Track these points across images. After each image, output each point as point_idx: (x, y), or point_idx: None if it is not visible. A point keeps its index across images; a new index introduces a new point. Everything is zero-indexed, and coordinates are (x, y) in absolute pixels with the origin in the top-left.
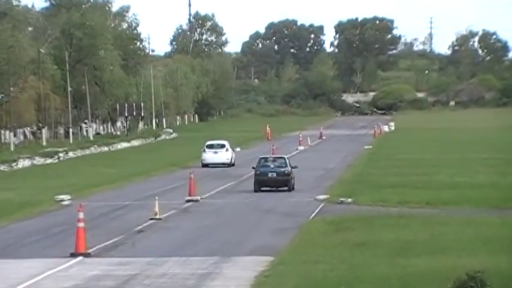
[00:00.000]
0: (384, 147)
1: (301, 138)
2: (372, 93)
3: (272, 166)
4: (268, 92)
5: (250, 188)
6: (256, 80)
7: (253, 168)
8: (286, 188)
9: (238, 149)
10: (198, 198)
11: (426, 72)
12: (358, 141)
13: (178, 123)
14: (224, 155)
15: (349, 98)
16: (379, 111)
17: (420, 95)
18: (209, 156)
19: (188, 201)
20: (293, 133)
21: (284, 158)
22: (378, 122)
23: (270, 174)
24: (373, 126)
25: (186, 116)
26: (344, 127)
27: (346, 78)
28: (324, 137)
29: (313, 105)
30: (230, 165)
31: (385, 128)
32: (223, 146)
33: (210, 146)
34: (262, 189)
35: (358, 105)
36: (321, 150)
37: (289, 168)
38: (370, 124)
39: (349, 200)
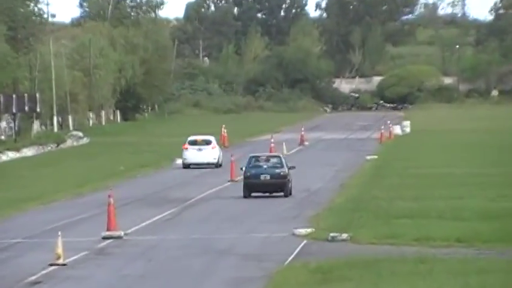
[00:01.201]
0: (394, 158)
1: (272, 145)
2: (377, 79)
3: (265, 167)
4: (224, 76)
5: (197, 218)
6: (206, 59)
7: (241, 169)
8: (282, 194)
9: (178, 162)
10: (121, 233)
11: (457, 47)
12: (357, 148)
13: (91, 123)
14: (210, 153)
15: (344, 86)
16: (388, 105)
17: (448, 80)
18: (192, 154)
19: (106, 238)
20: (261, 137)
21: (279, 157)
22: (386, 120)
23: (262, 177)
24: (379, 127)
25: (104, 113)
26: (336, 128)
27: (339, 56)
28: (306, 143)
29: (291, 96)
30: (217, 165)
31: (397, 130)
32: (209, 142)
33: (193, 142)
34: (252, 195)
35: (357, 95)
36: (302, 162)
37: (286, 169)
38: (375, 124)
39: (344, 235)
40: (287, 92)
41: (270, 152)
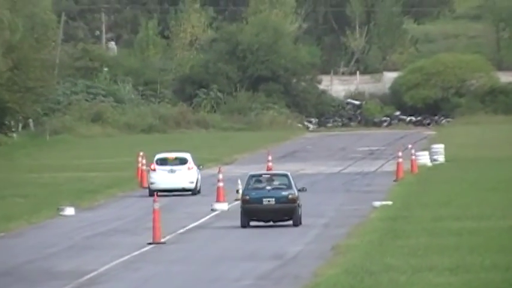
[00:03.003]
0: (420, 204)
1: (220, 184)
2: (390, 76)
3: (269, 188)
4: (142, 73)
5: None
6: (112, 45)
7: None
8: (290, 222)
9: (68, 212)
10: None
11: None
12: (359, 189)
13: None
14: (186, 176)
15: (337, 87)
16: (409, 118)
17: (507, 78)
18: (162, 177)
19: None
20: (202, 171)
21: (287, 176)
22: (405, 143)
23: (265, 201)
24: (394, 154)
25: None
26: (325, 156)
27: (329, 39)
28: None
29: (251, 104)
30: (195, 191)
31: (424, 159)
32: (184, 161)
33: (163, 162)
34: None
35: (357, 103)
36: None
37: (295, 191)
38: (388, 149)
39: None
40: (245, 98)
41: (219, 196)
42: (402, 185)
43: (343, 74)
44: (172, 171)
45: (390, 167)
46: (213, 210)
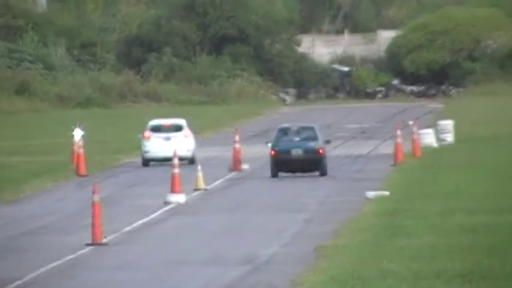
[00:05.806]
0: (423, 194)
1: (175, 171)
2: (387, 35)
3: (297, 139)
4: (78, 33)
5: None
6: None
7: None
8: (317, 173)
9: None
10: None
11: None
12: (349, 176)
13: None
14: (182, 144)
15: (321, 50)
16: (410, 88)
17: None
18: (156, 145)
19: None
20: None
21: (313, 129)
22: (404, 121)
23: (294, 152)
24: (392, 133)
25: None
26: None
27: None
28: (245, 166)
29: (214, 70)
30: (192, 161)
31: (428, 138)
32: (179, 127)
33: (157, 128)
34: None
35: (346, 69)
36: (238, 204)
37: (321, 142)
38: (384, 127)
39: None
40: (206, 64)
41: (174, 186)
42: (402, 171)
43: (327, 33)
44: (167, 138)
45: (387, 148)
46: (166, 203)
